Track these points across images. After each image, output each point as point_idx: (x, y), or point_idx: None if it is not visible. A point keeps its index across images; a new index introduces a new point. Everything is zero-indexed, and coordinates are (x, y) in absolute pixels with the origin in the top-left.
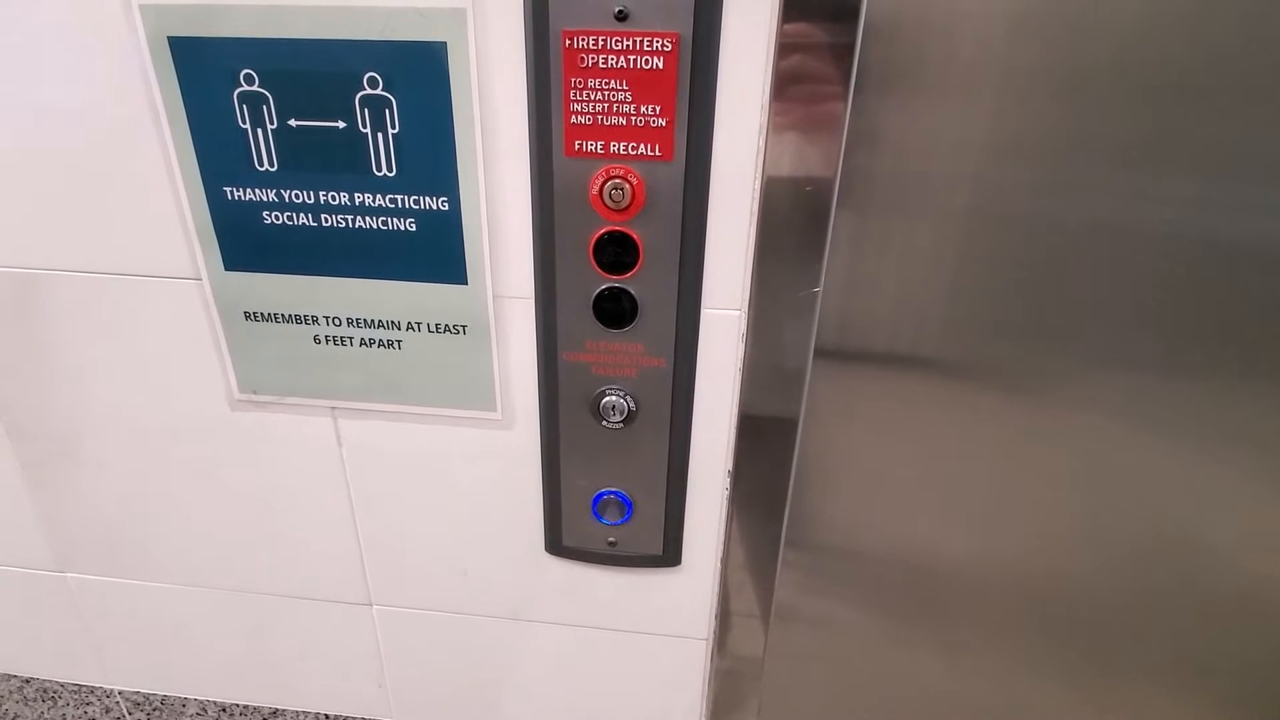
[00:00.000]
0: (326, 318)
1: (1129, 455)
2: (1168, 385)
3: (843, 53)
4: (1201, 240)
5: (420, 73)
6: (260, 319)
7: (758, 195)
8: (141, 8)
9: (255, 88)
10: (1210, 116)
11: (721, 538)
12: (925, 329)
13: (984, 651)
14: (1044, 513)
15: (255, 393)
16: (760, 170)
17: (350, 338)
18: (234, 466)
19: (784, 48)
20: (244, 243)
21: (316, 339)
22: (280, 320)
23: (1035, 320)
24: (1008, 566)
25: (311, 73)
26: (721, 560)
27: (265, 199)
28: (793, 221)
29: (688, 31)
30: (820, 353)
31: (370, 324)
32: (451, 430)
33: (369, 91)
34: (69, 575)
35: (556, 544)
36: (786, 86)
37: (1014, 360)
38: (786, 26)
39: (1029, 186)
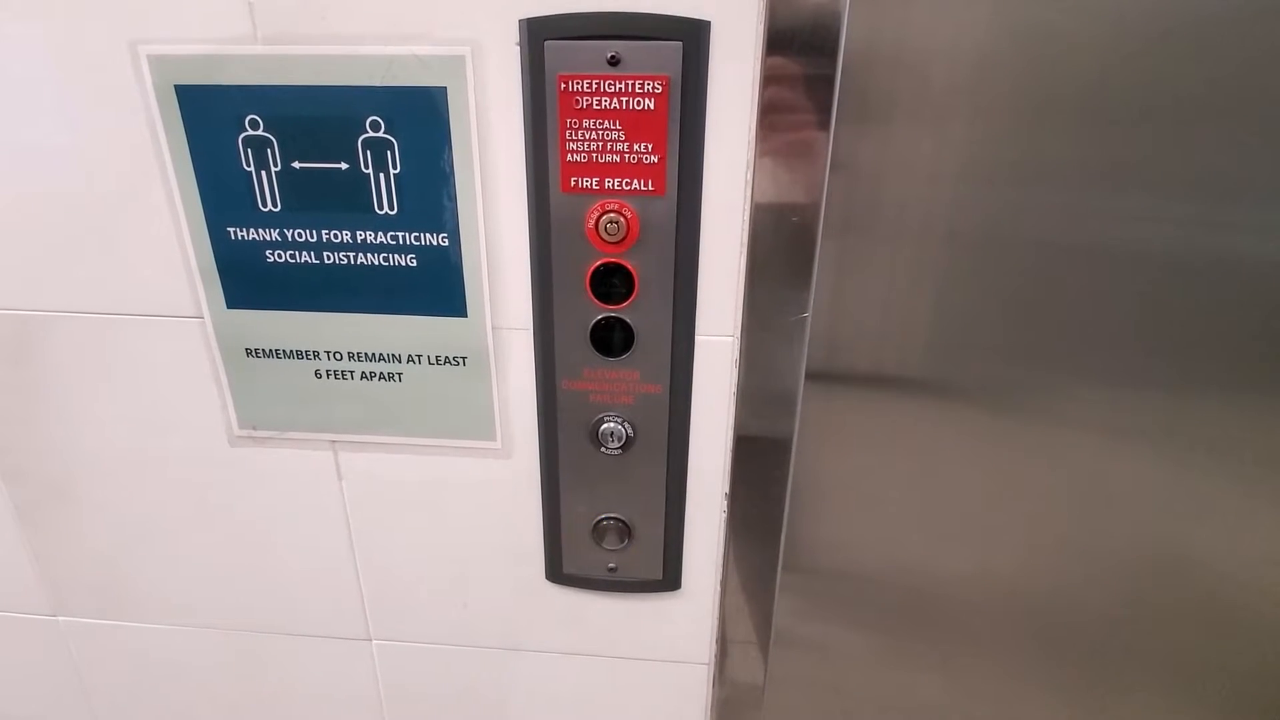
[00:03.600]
0: (328, 352)
1: (1119, 469)
2: (1154, 399)
3: (823, 88)
4: (1172, 255)
5: (421, 116)
6: (261, 355)
7: (747, 225)
8: (149, 58)
9: (260, 132)
10: (1174, 138)
11: (720, 561)
12: (914, 350)
13: (984, 670)
14: (1038, 529)
15: (255, 428)
16: (749, 201)
17: (351, 371)
18: (233, 503)
19: (767, 85)
20: (246, 281)
21: (317, 374)
22: (281, 356)
23: (1021, 339)
24: (1004, 584)
25: (315, 117)
26: (721, 583)
27: (268, 238)
28: (781, 249)
29: (676, 74)
30: (812, 375)
31: (371, 358)
32: (451, 461)
33: (371, 134)
34: (61, 619)
35: (557, 572)
36: (771, 121)
37: (1003, 378)
38: (769, 65)
39: (1008, 209)
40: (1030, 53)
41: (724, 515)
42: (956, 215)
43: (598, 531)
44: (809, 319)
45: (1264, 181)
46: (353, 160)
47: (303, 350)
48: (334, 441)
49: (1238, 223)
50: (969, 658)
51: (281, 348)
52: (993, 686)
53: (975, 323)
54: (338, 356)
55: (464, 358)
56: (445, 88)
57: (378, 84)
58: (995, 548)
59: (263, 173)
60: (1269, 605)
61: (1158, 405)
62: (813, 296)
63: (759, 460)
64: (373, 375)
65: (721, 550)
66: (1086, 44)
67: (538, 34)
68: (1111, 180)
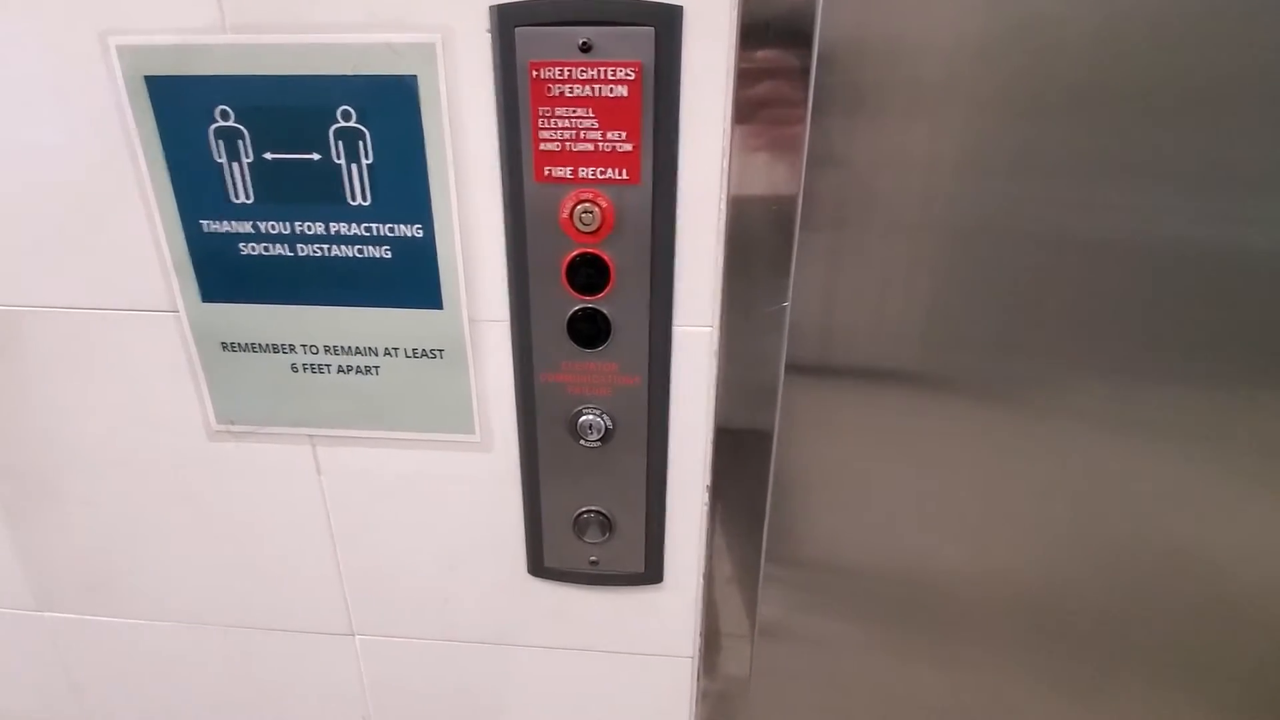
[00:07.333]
0: (304, 346)
1: (1106, 461)
2: (1140, 390)
3: (799, 76)
4: (1162, 247)
5: (393, 105)
6: (237, 349)
7: (724, 215)
8: (119, 48)
9: (231, 123)
10: (1161, 129)
11: (703, 554)
12: (895, 341)
13: (974, 661)
14: (1023, 520)
15: (233, 423)
16: (725, 191)
17: (328, 365)
18: (213, 498)
19: (742, 73)
20: (221, 274)
21: (294, 367)
22: (257, 350)
23: (1006, 331)
24: (991, 576)
25: (286, 108)
26: (704, 576)
27: (242, 231)
28: (759, 239)
29: (649, 60)
30: (792, 367)
31: (347, 351)
32: (430, 454)
33: (343, 124)
34: (47, 614)
35: (538, 565)
36: (747, 110)
37: (987, 370)
38: (744, 53)
39: (985, 201)
40: (1010, 42)
41: (705, 507)
42: (938, 206)
43: (579, 525)
44: (789, 309)
45: (1256, 172)
46: (325, 151)
47: (278, 344)
48: (313, 436)
49: (1229, 214)
50: (959, 649)
51: (257, 341)
52: (984, 678)
53: (959, 315)
54: (314, 350)
55: (441, 350)
56: (416, 76)
57: (348, 73)
58: (983, 540)
59: (235, 164)
60: (1267, 598)
61: (1148, 397)
62: (792, 286)
63: (740, 452)
64: (350, 369)
65: (704, 543)
66: (1069, 32)
67: (508, 20)
68: (1095, 172)
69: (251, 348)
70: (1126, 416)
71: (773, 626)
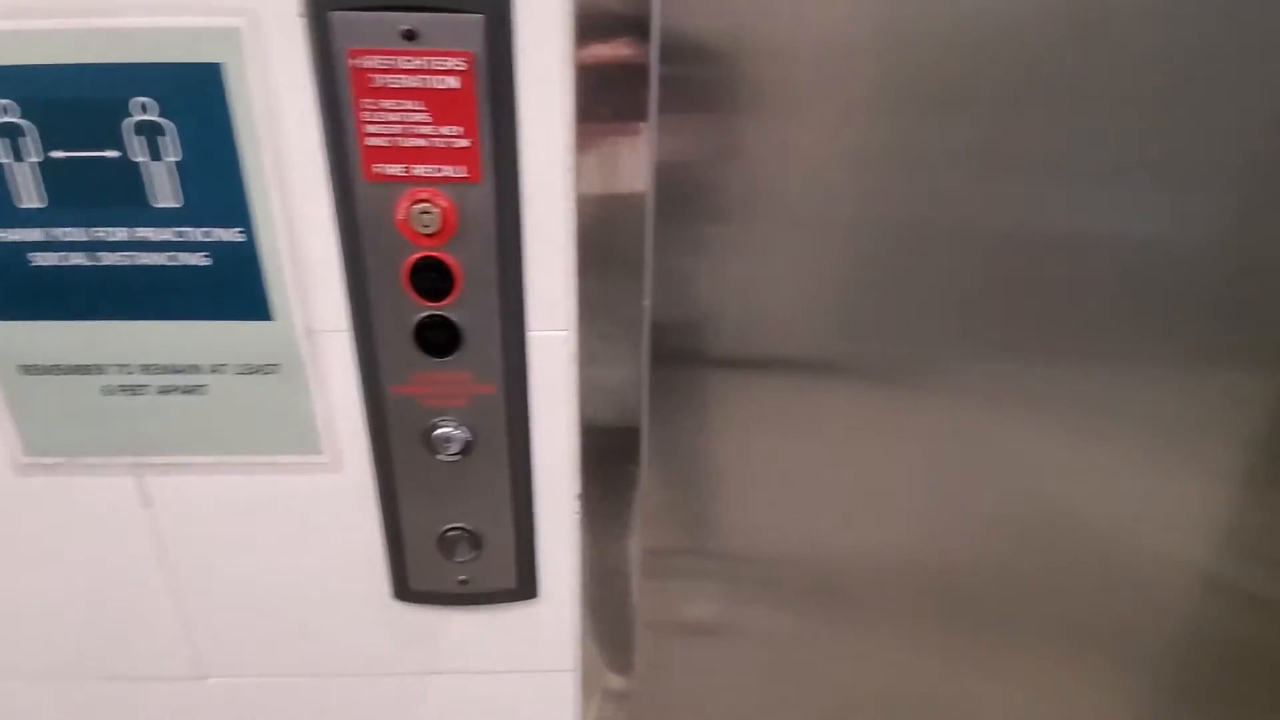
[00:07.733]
0: (116, 365)
1: (987, 437)
2: (1020, 367)
3: (639, 70)
4: (1032, 234)
5: (197, 96)
6: (39, 372)
7: (573, 213)
8: None
9: (14, 119)
10: (1025, 121)
11: (577, 563)
12: (764, 330)
13: (870, 642)
14: (908, 500)
15: (43, 455)
16: (572, 188)
17: (145, 386)
18: (30, 538)
19: (583, 66)
20: (11, 288)
21: (105, 389)
22: (62, 371)
23: (873, 315)
24: (880, 556)
25: (75, 100)
26: (580, 586)
27: (31, 239)
28: (611, 238)
29: (481, 51)
30: (657, 363)
31: (166, 369)
32: (274, 478)
33: (141, 118)
34: None
35: (404, 589)
36: (589, 104)
37: (854, 354)
38: (582, 45)
39: (841, 190)
40: (852, 35)
41: (577, 515)
42: (795, 196)
43: (444, 543)
44: (648, 307)
45: (1109, 162)
46: (122, 148)
47: (86, 364)
48: (137, 465)
49: (1089, 202)
50: (854, 631)
51: (61, 363)
52: (887, 658)
53: (827, 301)
54: (128, 370)
55: (275, 365)
56: (220, 64)
57: (143, 60)
58: (868, 521)
59: (20, 165)
60: (1149, 563)
61: (1029, 374)
62: (649, 283)
63: (609, 456)
64: (172, 389)
65: (578, 552)
66: (917, 28)
67: (322, 4)
68: (947, 162)
69: (55, 369)
70: (1010, 393)
71: (657, 626)
